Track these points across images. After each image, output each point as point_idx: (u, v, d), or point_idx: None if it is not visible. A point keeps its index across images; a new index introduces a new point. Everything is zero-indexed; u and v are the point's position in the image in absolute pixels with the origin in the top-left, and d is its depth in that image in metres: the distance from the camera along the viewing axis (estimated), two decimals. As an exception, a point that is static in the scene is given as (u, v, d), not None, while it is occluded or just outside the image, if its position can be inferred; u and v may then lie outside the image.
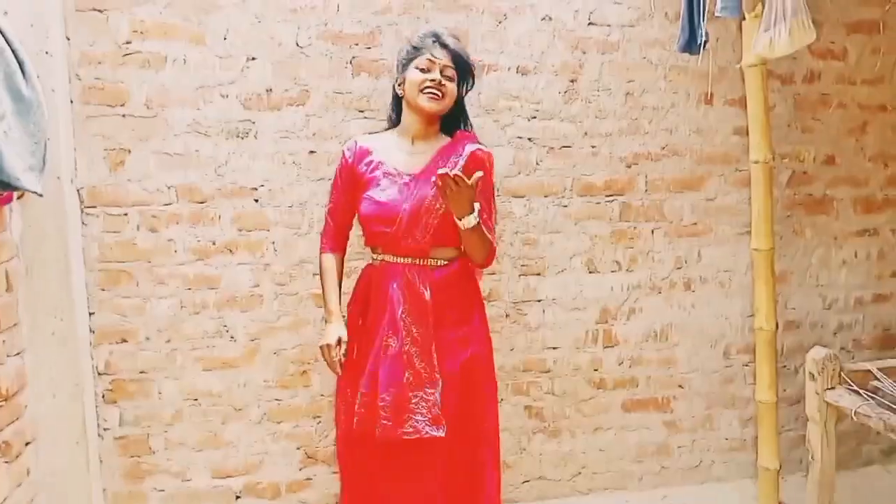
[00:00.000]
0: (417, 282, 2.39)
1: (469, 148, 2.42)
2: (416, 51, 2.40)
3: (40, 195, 2.39)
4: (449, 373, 2.39)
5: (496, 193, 2.54)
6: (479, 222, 2.30)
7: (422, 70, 2.37)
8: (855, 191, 3.58)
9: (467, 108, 2.57)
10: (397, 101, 2.53)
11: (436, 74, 2.36)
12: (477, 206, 2.29)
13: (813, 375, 3.11)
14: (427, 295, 2.37)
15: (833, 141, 3.53)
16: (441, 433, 2.33)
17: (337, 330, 2.48)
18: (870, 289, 3.65)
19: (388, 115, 2.61)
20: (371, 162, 2.45)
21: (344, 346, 2.45)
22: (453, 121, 2.49)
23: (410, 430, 2.33)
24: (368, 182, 2.43)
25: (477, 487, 2.48)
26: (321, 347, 2.48)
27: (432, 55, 2.37)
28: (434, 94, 2.36)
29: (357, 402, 2.42)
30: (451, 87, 2.39)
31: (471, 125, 2.56)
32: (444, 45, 2.39)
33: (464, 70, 2.43)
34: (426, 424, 2.33)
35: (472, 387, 2.46)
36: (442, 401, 2.35)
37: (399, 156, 2.45)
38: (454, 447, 2.40)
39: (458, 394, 2.41)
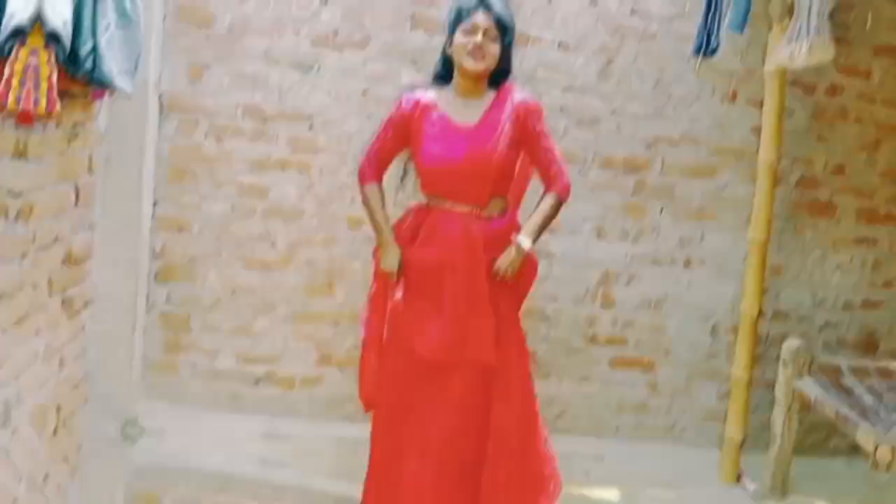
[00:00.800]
0: (475, 229, 2.57)
1: (517, 98, 2.61)
2: (463, 14, 2.56)
3: (129, 94, 2.78)
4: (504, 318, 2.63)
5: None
6: (532, 242, 2.57)
7: (467, 32, 2.54)
8: (859, 201, 3.80)
9: (513, 60, 2.68)
10: (445, 60, 2.69)
11: (478, 38, 2.50)
12: (522, 240, 2.56)
13: (785, 362, 3.41)
14: (481, 242, 2.58)
15: (845, 152, 3.74)
16: (492, 360, 2.56)
17: (397, 254, 2.65)
18: (860, 294, 3.87)
19: (435, 72, 2.75)
20: (429, 115, 2.59)
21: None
22: (499, 74, 2.64)
23: (472, 351, 2.55)
24: (427, 134, 2.58)
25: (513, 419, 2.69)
26: (388, 272, 2.65)
27: (477, 21, 2.53)
28: (477, 55, 2.53)
29: (415, 324, 2.61)
30: (494, 48, 2.54)
31: (513, 76, 2.70)
32: (487, 9, 2.53)
33: (506, 28, 2.57)
34: (478, 349, 2.56)
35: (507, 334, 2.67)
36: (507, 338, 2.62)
37: (455, 110, 2.60)
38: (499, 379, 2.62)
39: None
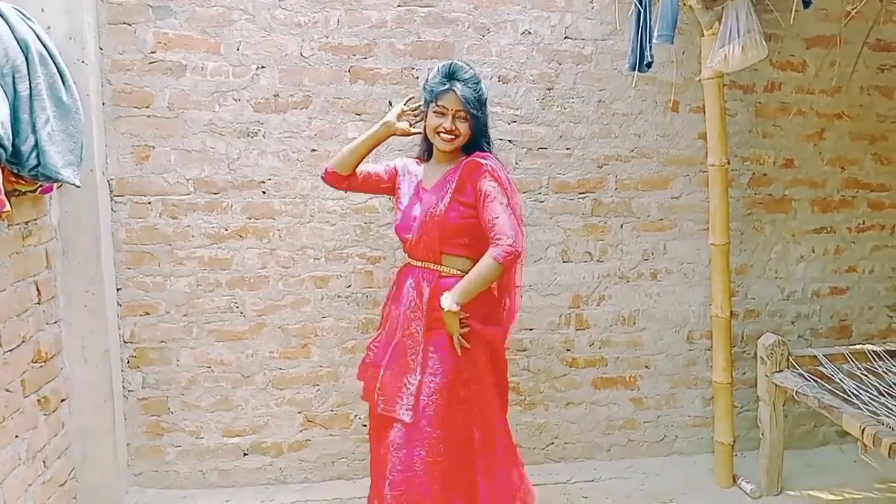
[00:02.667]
0: (423, 284, 2.65)
1: (468, 158, 2.65)
2: (433, 96, 2.65)
3: (77, 186, 2.78)
4: (436, 369, 2.62)
5: (507, 190, 2.63)
6: (455, 304, 2.52)
7: (437, 114, 2.65)
8: (812, 192, 3.86)
9: (489, 129, 2.76)
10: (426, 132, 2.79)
11: (447, 121, 2.63)
12: (443, 298, 2.54)
13: (763, 359, 3.46)
14: (426, 296, 2.63)
15: (792, 146, 3.81)
16: (408, 418, 2.57)
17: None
18: (826, 282, 3.94)
19: (422, 147, 2.85)
20: (408, 179, 2.78)
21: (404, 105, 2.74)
22: (475, 142, 2.71)
23: (388, 408, 2.64)
24: (401, 198, 2.75)
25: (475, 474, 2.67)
26: (397, 128, 2.72)
27: (444, 105, 2.63)
28: (446, 137, 2.65)
29: (373, 371, 2.76)
30: (463, 127, 2.64)
31: (490, 144, 2.76)
32: (455, 92, 2.60)
33: (475, 106, 2.63)
34: (402, 407, 2.60)
35: (466, 385, 2.65)
36: (427, 390, 2.60)
37: (427, 175, 2.77)
38: (445, 434, 2.60)
39: (448, 389, 2.61)
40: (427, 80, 2.71)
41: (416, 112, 2.75)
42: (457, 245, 2.66)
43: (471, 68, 2.69)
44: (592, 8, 3.56)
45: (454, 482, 2.60)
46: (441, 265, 2.68)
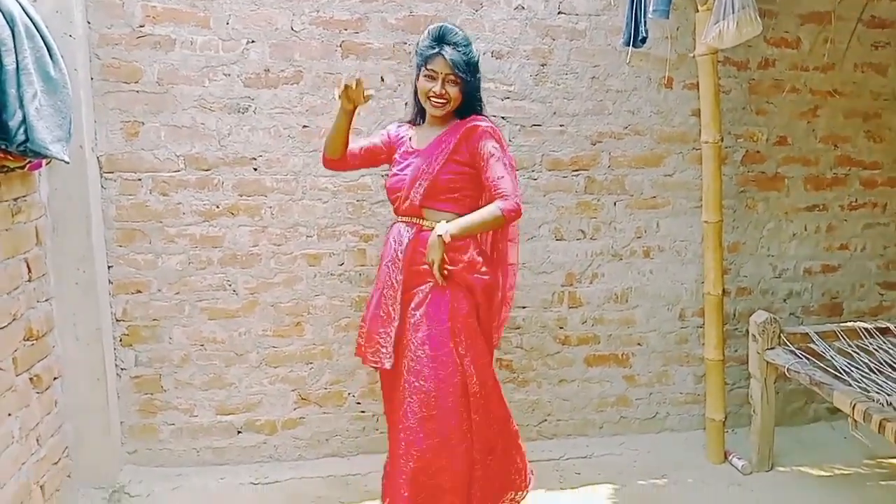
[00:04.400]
0: (405, 237, 2.71)
1: (469, 122, 2.70)
2: (423, 59, 2.67)
3: (67, 162, 2.74)
4: (419, 323, 2.67)
5: (506, 152, 2.71)
6: (449, 234, 2.55)
7: (428, 78, 2.67)
8: (805, 169, 3.87)
9: (480, 92, 2.78)
10: (416, 96, 2.80)
11: (438, 85, 2.65)
12: (439, 225, 2.58)
13: (755, 336, 3.48)
14: (405, 244, 2.69)
15: (785, 123, 3.81)
16: (388, 365, 2.68)
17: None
18: (819, 260, 3.95)
19: (412, 112, 2.88)
20: (401, 142, 2.82)
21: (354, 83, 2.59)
22: (468, 106, 2.75)
23: (374, 359, 2.75)
24: (395, 160, 2.80)
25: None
26: (343, 96, 2.62)
27: (434, 68, 2.65)
28: (437, 102, 2.68)
29: (366, 326, 2.84)
30: (454, 91, 2.67)
31: (482, 106, 2.80)
32: (444, 56, 2.63)
33: (465, 70, 2.66)
34: (384, 356, 2.70)
35: (454, 335, 2.68)
36: (406, 338, 2.68)
37: (419, 138, 2.80)
38: (435, 386, 2.64)
39: (435, 340, 2.65)
40: (417, 44, 2.72)
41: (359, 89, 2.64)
42: (443, 200, 2.70)
43: (460, 31, 2.70)
44: None
45: (451, 434, 2.64)
46: (423, 219, 2.72)
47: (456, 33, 2.68)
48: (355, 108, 2.67)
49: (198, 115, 3.31)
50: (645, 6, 3.09)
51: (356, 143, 2.85)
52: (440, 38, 2.66)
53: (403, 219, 2.76)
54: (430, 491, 2.63)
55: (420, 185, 2.68)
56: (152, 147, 3.30)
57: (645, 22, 3.12)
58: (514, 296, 3.09)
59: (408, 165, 2.75)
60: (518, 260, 3.02)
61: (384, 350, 2.71)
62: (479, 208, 2.69)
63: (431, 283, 2.66)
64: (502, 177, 2.61)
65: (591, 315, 3.76)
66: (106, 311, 3.31)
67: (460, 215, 2.67)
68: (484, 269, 2.75)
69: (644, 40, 3.18)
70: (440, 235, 2.56)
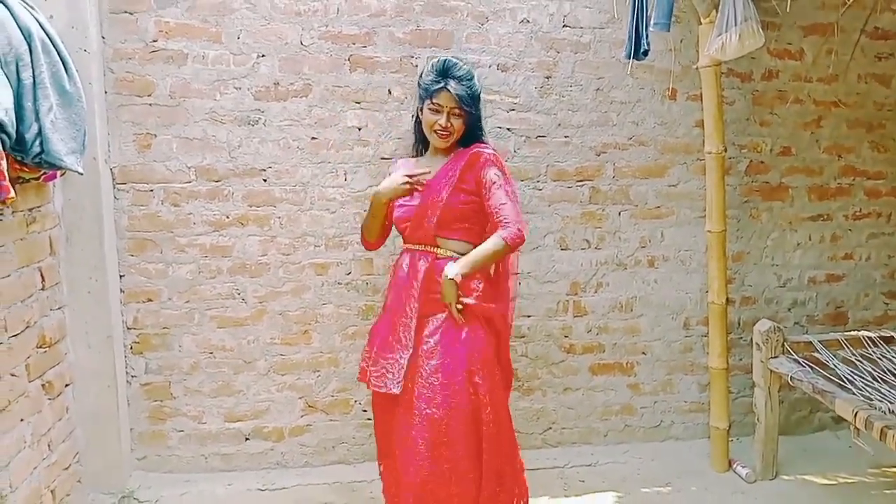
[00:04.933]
0: (420, 265, 2.71)
1: (473, 148, 2.74)
2: (428, 93, 2.71)
3: (80, 174, 2.81)
4: (430, 346, 2.66)
5: (508, 179, 2.75)
6: (459, 274, 2.56)
7: (432, 111, 2.72)
8: (809, 179, 3.89)
9: (483, 121, 2.83)
10: (418, 126, 2.86)
11: (442, 119, 2.69)
12: (448, 267, 2.59)
13: (758, 345, 3.49)
14: (421, 275, 2.70)
15: (789, 134, 3.83)
16: (396, 390, 2.64)
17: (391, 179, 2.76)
18: (823, 269, 3.97)
19: (414, 142, 2.93)
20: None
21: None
22: (471, 134, 2.80)
23: (380, 384, 2.71)
24: None
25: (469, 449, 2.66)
26: (383, 195, 2.75)
27: (439, 102, 2.70)
28: (442, 134, 2.72)
29: (373, 350, 2.82)
30: (458, 124, 2.72)
31: (484, 134, 2.85)
32: (449, 90, 2.65)
33: (469, 104, 2.71)
34: (391, 382, 2.68)
35: (455, 353, 2.67)
36: (417, 365, 2.65)
37: (424, 167, 2.81)
38: (447, 415, 2.62)
39: (448, 369, 2.63)
40: (421, 77, 2.76)
41: (413, 183, 2.73)
42: (455, 229, 2.72)
43: (464, 65, 2.74)
44: None
45: (460, 462, 2.62)
46: (437, 248, 2.73)
47: (460, 67, 2.72)
48: (394, 200, 2.76)
49: (209, 128, 3.37)
50: (646, 19, 3.13)
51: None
52: (444, 73, 2.70)
53: (415, 247, 2.77)
54: None
55: (432, 213, 2.70)
56: (164, 159, 3.36)
57: (647, 35, 3.15)
58: (517, 306, 3.11)
59: (414, 195, 2.76)
60: (519, 269, 3.05)
61: (390, 375, 2.69)
62: (482, 232, 2.74)
63: (446, 313, 2.66)
64: (504, 203, 2.64)
65: (596, 324, 3.78)
66: (117, 319, 3.37)
67: (471, 243, 2.71)
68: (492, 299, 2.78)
69: (646, 53, 3.21)
70: (451, 278, 2.57)
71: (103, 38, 3.25)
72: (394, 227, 2.92)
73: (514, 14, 3.53)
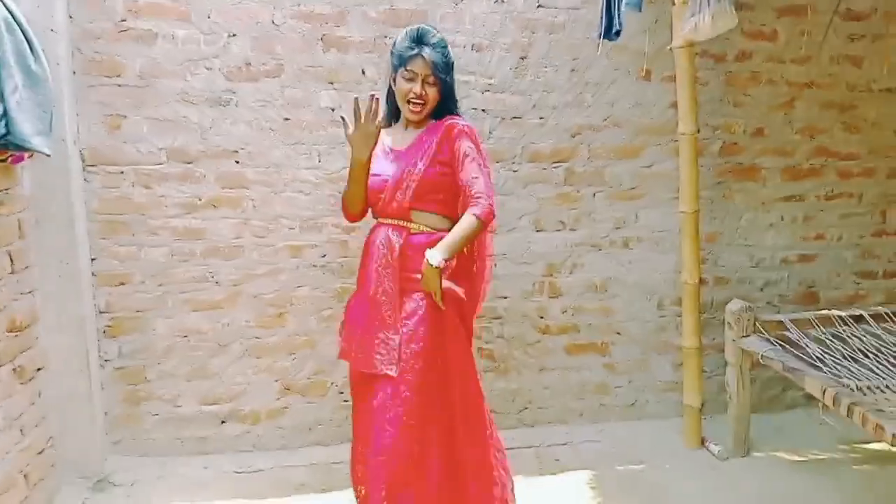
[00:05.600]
0: (394, 240, 2.65)
1: (447, 121, 2.68)
2: (401, 60, 2.62)
3: (48, 155, 2.76)
4: (411, 335, 2.62)
5: (481, 152, 2.69)
6: (443, 260, 2.49)
7: (406, 79, 2.65)
8: (782, 160, 3.91)
9: (456, 93, 2.78)
10: (390, 96, 2.78)
11: (417, 86, 2.61)
12: (430, 254, 2.50)
13: (730, 325, 3.52)
14: (397, 252, 2.65)
15: (762, 115, 3.84)
16: (393, 372, 2.57)
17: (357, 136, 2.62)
18: (795, 249, 4.00)
19: (386, 112, 2.77)
20: (379, 148, 2.72)
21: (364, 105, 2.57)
22: (444, 106, 2.72)
23: (369, 365, 2.63)
24: (374, 164, 2.71)
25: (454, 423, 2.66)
26: (357, 143, 2.60)
27: (412, 69, 2.60)
28: (416, 103, 2.65)
29: (347, 330, 2.76)
30: (432, 93, 2.65)
31: (457, 106, 2.77)
32: (423, 56, 2.58)
33: (444, 71, 2.65)
34: (382, 363, 2.61)
35: (443, 348, 2.66)
36: (405, 355, 2.59)
37: (395, 138, 2.75)
38: (424, 399, 2.59)
39: (426, 354, 2.60)
40: (395, 45, 2.70)
41: (368, 110, 2.61)
42: (430, 201, 2.67)
43: (438, 32, 2.69)
44: None
45: (432, 448, 2.62)
46: (411, 222, 2.68)
47: (434, 34, 2.67)
48: (370, 156, 2.64)
49: (180, 109, 3.32)
50: None
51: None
52: (419, 39, 2.64)
53: (388, 221, 2.71)
54: (406, 499, 2.59)
55: (408, 186, 2.64)
56: (134, 140, 3.31)
57: (619, 14, 3.14)
58: (492, 287, 3.08)
59: (386, 166, 2.71)
60: (494, 250, 3.00)
61: (379, 357, 2.62)
62: (455, 205, 2.69)
63: (423, 294, 2.62)
64: (476, 177, 2.59)
65: (572, 304, 3.80)
66: (89, 303, 3.33)
67: (446, 217, 2.68)
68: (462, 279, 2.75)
69: (618, 33, 3.21)
70: (435, 266, 2.50)
71: (70, 17, 3.19)
72: None
73: None
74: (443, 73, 2.65)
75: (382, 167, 2.70)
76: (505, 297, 3.72)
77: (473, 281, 2.84)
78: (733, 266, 3.95)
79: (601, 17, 3.23)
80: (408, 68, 2.63)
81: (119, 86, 3.27)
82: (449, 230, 2.61)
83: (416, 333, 2.61)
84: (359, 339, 2.69)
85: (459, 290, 2.70)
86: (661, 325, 3.91)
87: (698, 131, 3.46)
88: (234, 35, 3.32)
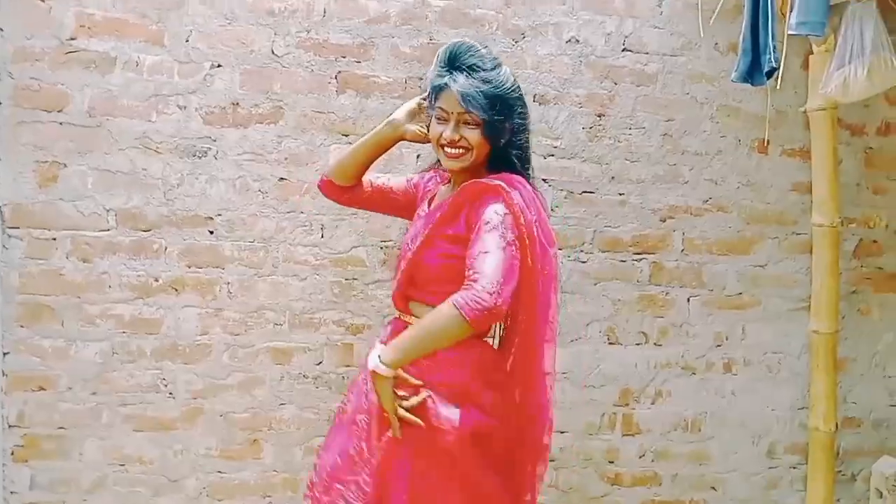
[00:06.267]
0: (382, 337, 2.13)
1: (476, 182, 2.01)
2: (433, 94, 2.02)
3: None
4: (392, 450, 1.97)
5: (520, 226, 1.97)
6: (379, 366, 1.86)
7: (438, 119, 2.02)
8: (936, 266, 3.23)
9: (525, 139, 2.09)
10: None
11: (450, 130, 1.97)
12: (371, 357, 1.92)
13: (881, 493, 2.80)
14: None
15: (912, 205, 3.21)
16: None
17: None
18: (949, 385, 3.27)
19: (436, 162, 2.24)
20: (423, 197, 2.26)
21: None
22: (504, 159, 2.05)
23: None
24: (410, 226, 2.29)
25: None
26: (406, 130, 2.15)
27: (442, 105, 1.98)
28: (451, 153, 2.00)
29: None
30: (473, 136, 1.97)
31: (526, 160, 2.09)
32: (454, 89, 1.96)
33: (486, 107, 1.95)
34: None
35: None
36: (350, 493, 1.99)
37: (439, 195, 2.20)
38: None
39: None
40: (428, 72, 2.04)
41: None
42: (432, 292, 1.98)
43: (482, 48, 1.97)
44: (660, 13, 2.98)
45: None
46: (410, 315, 2.08)
47: (473, 53, 1.97)
48: (403, 138, 2.16)
49: (138, 158, 2.74)
50: (774, 21, 2.37)
51: (370, 174, 2.27)
52: (450, 62, 1.96)
53: (396, 313, 2.18)
54: None
55: (402, 269, 2.09)
56: (74, 197, 2.71)
57: (773, 46, 2.45)
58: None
59: (408, 236, 2.15)
60: (553, 369, 2.16)
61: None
62: None
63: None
64: (487, 252, 1.86)
65: (652, 446, 3.10)
66: None
67: None
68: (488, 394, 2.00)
69: (772, 73, 2.52)
70: (378, 374, 1.86)
71: (1, 30, 2.59)
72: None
73: (560, 30, 2.93)
74: (481, 109, 1.92)
75: (408, 234, 2.20)
76: (562, 433, 2.97)
77: (511, 415, 2.03)
78: (868, 404, 3.22)
79: (743, 50, 2.56)
80: (438, 105, 1.98)
81: (60, 124, 2.68)
82: None
83: (369, 461, 1.98)
84: (324, 486, 2.06)
85: (452, 417, 1.93)
86: (772, 479, 3.18)
87: (842, 223, 2.84)
88: (218, 66, 2.75)
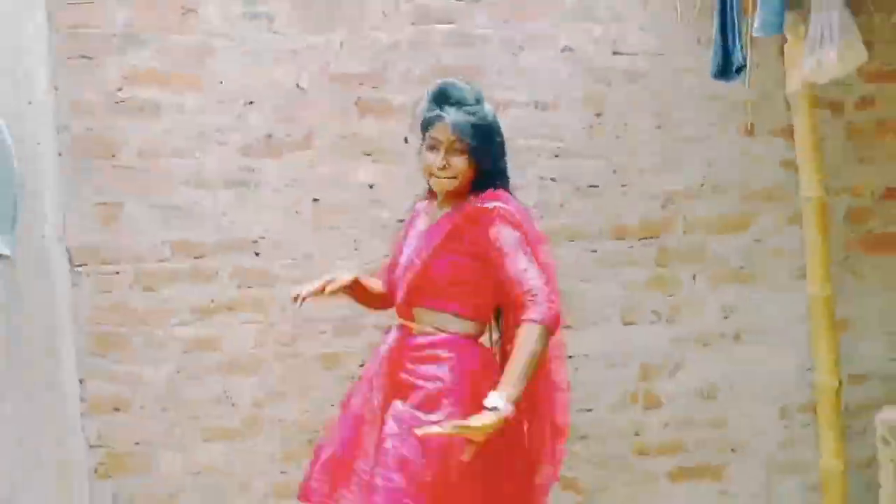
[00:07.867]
0: (392, 345, 2.29)
1: (476, 202, 2.24)
2: (423, 126, 2.27)
3: (6, 256, 2.27)
4: (392, 462, 2.12)
5: (529, 239, 2.21)
6: (507, 406, 1.95)
7: (428, 147, 2.25)
8: (923, 225, 3.37)
9: (504, 162, 2.32)
10: None
11: (439, 158, 2.21)
12: (494, 399, 1.96)
13: (887, 440, 2.90)
14: (393, 359, 2.24)
15: (894, 172, 3.33)
16: None
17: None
18: (948, 337, 3.39)
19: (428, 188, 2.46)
20: (414, 224, 2.44)
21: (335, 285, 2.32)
22: (487, 180, 2.27)
23: (326, 500, 2.23)
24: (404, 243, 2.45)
25: None
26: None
27: (434, 135, 2.23)
28: (442, 177, 2.23)
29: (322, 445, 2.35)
30: (459, 163, 2.21)
31: (505, 180, 2.31)
32: (444, 120, 2.20)
33: (474, 135, 2.20)
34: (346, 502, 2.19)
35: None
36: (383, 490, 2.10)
37: (426, 218, 2.40)
38: None
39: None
40: (417, 109, 2.31)
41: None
42: (437, 298, 2.23)
43: (467, 86, 2.25)
44: (645, 14, 3.15)
45: None
46: (413, 321, 2.27)
47: (460, 89, 2.24)
48: (352, 287, 2.38)
49: (188, 193, 2.96)
50: (739, 23, 2.57)
51: (375, 283, 2.51)
52: (439, 98, 2.22)
53: (399, 320, 2.34)
54: None
55: (408, 280, 2.27)
56: (134, 233, 2.93)
57: (738, 43, 2.65)
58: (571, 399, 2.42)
59: (406, 253, 2.35)
60: (568, 385, 2.36)
61: (349, 495, 2.18)
62: (479, 304, 2.22)
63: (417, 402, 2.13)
64: (526, 269, 2.08)
65: (675, 417, 3.23)
66: (77, 435, 2.84)
67: (460, 316, 2.22)
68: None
69: (740, 69, 2.70)
70: (503, 413, 1.93)
71: (56, 88, 2.82)
72: None
73: (554, 40, 3.11)
74: (470, 137, 2.18)
75: (405, 253, 2.36)
76: (589, 411, 3.13)
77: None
78: (872, 360, 3.33)
79: (715, 52, 2.74)
80: (429, 135, 2.24)
81: (114, 167, 2.90)
82: (464, 332, 2.21)
83: (394, 461, 2.10)
84: (323, 462, 2.26)
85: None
86: (788, 438, 3.28)
87: (827, 194, 2.96)
88: (251, 102, 2.96)
